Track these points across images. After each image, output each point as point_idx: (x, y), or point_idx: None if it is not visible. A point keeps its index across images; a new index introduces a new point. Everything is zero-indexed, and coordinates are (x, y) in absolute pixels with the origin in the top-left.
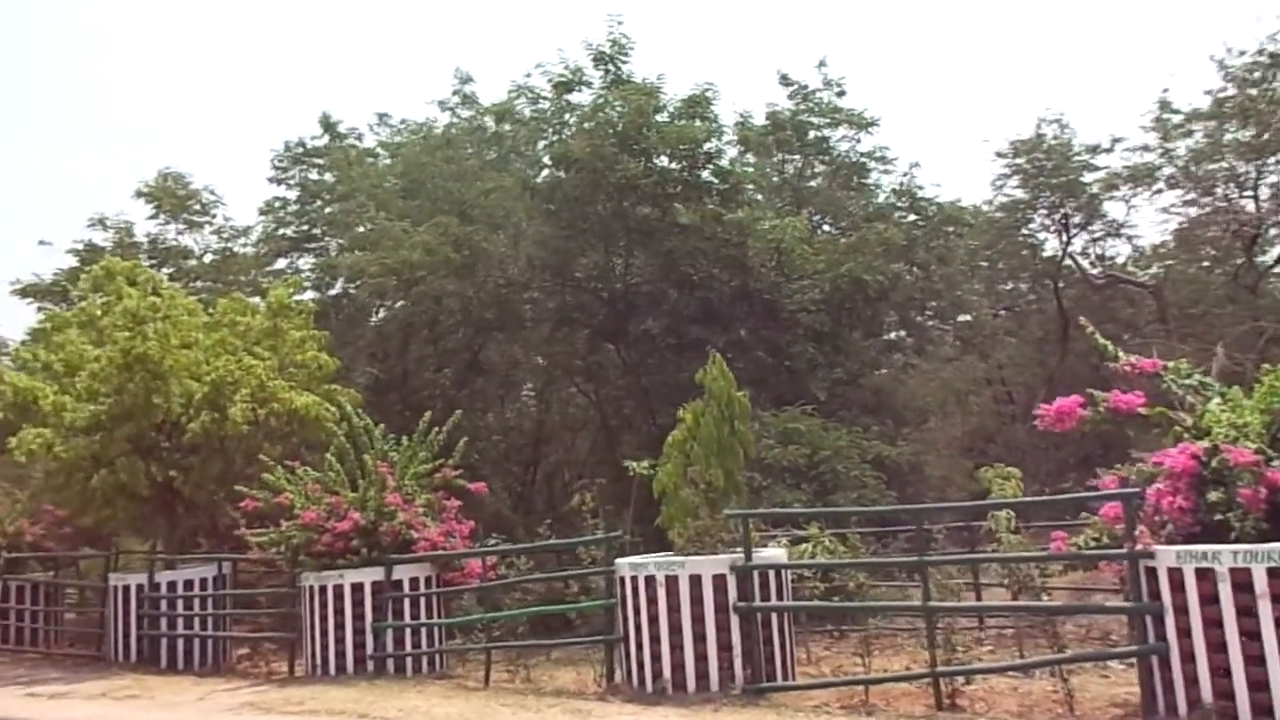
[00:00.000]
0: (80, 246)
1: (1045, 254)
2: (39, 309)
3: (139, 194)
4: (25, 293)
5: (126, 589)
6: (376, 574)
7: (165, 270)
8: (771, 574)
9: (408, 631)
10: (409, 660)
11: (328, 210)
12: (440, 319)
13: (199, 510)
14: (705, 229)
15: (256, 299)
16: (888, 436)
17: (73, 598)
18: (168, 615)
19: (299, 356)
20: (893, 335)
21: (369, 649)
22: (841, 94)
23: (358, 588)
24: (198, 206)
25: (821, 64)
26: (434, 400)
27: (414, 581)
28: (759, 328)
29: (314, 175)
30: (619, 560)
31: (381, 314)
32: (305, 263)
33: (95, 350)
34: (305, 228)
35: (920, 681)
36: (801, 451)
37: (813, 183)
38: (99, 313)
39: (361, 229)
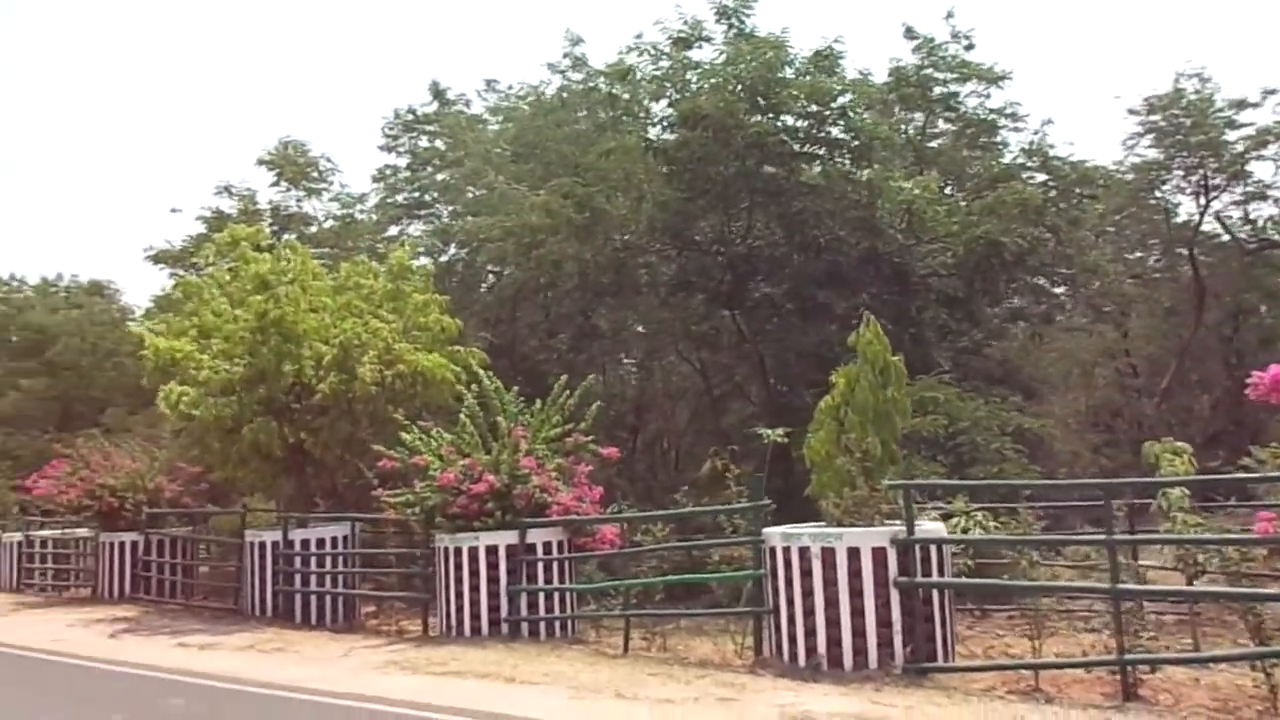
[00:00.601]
0: (208, 213)
1: (1179, 219)
2: (170, 274)
3: (260, 162)
4: (157, 259)
5: (261, 545)
6: (510, 537)
7: (287, 236)
8: (933, 548)
9: (541, 596)
10: (542, 624)
11: (439, 177)
12: (558, 283)
13: (324, 471)
14: (834, 188)
15: (376, 264)
16: (1016, 409)
17: (206, 553)
18: (301, 572)
19: (422, 319)
20: (1018, 302)
21: (503, 612)
22: (970, 47)
23: (492, 550)
24: (316, 174)
25: (949, 15)
26: (545, 366)
27: (547, 546)
28: (885, 293)
29: (424, 142)
30: (768, 530)
31: (492, 280)
32: (416, 229)
33: (231, 313)
34: (416, 194)
35: (1097, 669)
36: (939, 422)
37: (935, 142)
38: (227, 278)
39: (474, 194)
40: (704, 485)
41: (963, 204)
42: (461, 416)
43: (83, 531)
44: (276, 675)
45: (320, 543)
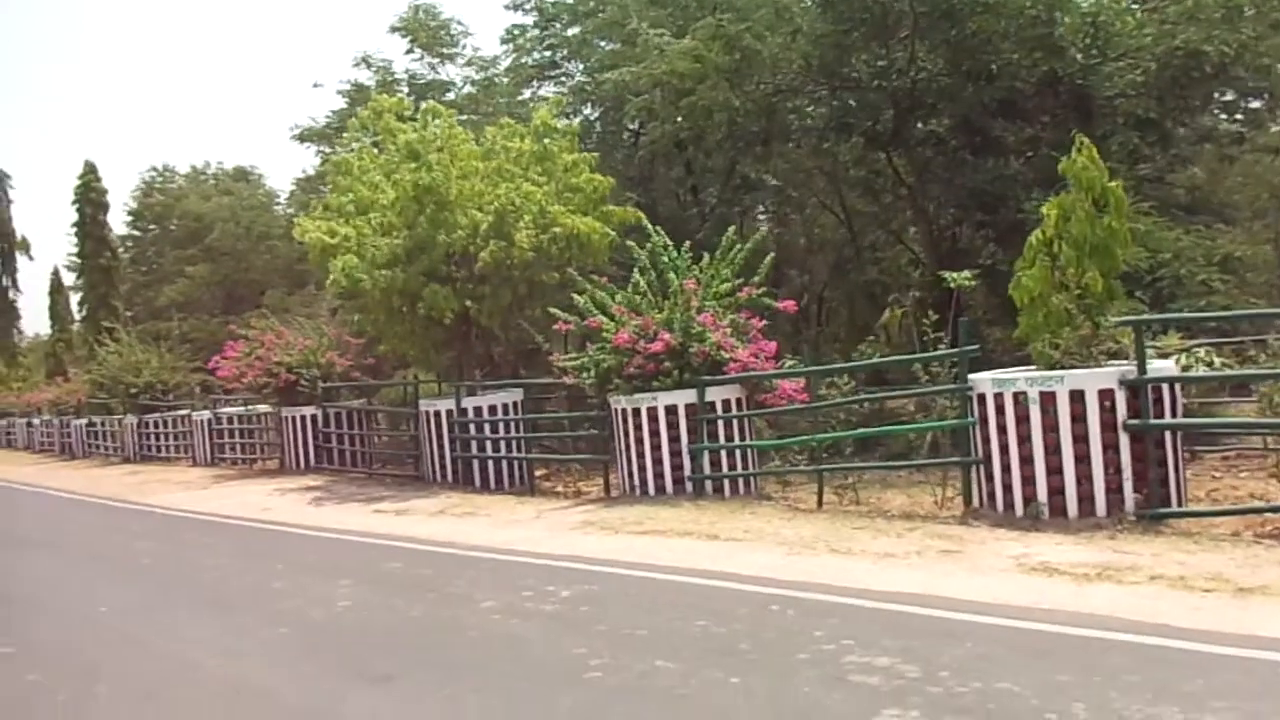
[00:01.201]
0: (348, 86)
1: None
2: (316, 152)
3: (393, 29)
4: (302, 137)
5: (436, 414)
6: (689, 396)
7: (425, 105)
8: (1165, 389)
9: (723, 453)
10: (725, 482)
11: (569, 33)
12: (705, 135)
13: (487, 339)
14: (1006, 6)
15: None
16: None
17: (379, 423)
18: (476, 438)
19: (572, 180)
20: (1209, 121)
21: (686, 471)
22: None
23: (671, 410)
24: (448, 37)
25: None
26: (690, 224)
27: (725, 403)
28: (1065, 120)
29: None
30: (975, 376)
31: (630, 139)
32: (547, 91)
33: (384, 186)
34: (547, 54)
35: None
36: (1139, 254)
37: None
38: (375, 150)
39: (609, 47)
40: (886, 335)
41: (1155, 13)
42: (634, 274)
43: (263, 407)
44: (481, 538)
45: (492, 409)
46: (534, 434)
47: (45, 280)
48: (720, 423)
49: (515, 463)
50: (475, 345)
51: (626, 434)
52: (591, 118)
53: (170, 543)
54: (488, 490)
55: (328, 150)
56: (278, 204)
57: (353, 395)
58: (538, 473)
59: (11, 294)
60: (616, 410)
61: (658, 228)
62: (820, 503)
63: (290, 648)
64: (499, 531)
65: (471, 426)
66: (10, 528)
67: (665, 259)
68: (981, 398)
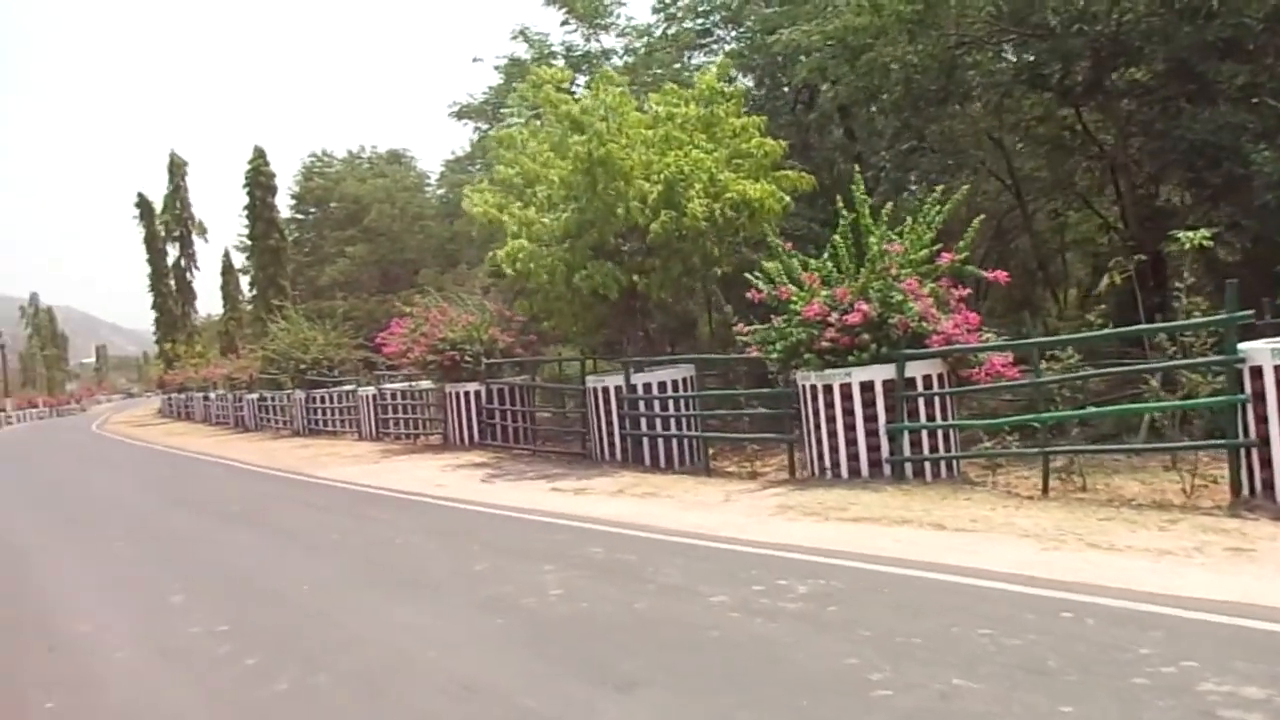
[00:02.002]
0: (504, 61)
1: None
2: (474, 129)
3: (548, 1)
4: (460, 114)
5: (605, 390)
6: (887, 371)
7: (582, 78)
8: None
9: (924, 434)
10: (927, 465)
11: None
12: (881, 94)
13: (654, 314)
14: None
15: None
16: None
17: (543, 400)
18: (646, 416)
19: (742, 145)
20: None
21: (884, 452)
22: None
23: (867, 386)
24: (602, 8)
25: None
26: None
27: (927, 379)
28: None
29: None
30: (1248, 346)
31: (783, 105)
32: (699, 60)
33: (553, 159)
34: (700, 22)
35: None
36: None
37: None
38: (538, 123)
39: (769, 10)
40: (1104, 302)
41: None
42: (834, 239)
43: (426, 384)
44: (672, 521)
45: (662, 386)
46: (705, 411)
47: (217, 262)
48: (920, 400)
49: (687, 441)
50: (639, 321)
51: (816, 412)
52: (749, 84)
53: (354, 518)
54: (658, 469)
55: (485, 127)
56: (428, 185)
57: (515, 371)
58: (711, 452)
59: (189, 275)
60: (804, 386)
61: (859, 178)
62: (1045, 488)
63: (512, 641)
64: (689, 514)
65: (641, 404)
66: (205, 499)
67: (866, 220)
68: (1257, 370)
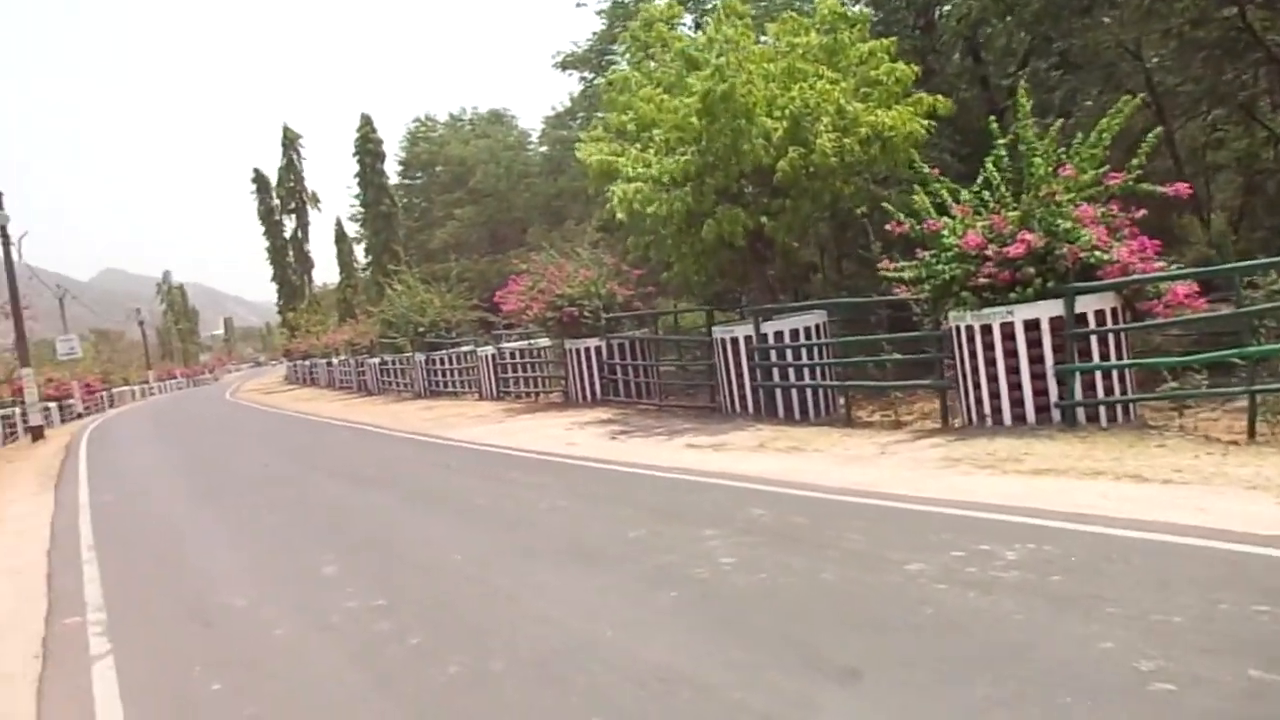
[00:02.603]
0: (609, 3)
1: None
2: (580, 79)
3: None
4: (564, 65)
5: (733, 341)
6: (1054, 308)
7: (689, 16)
8: None
9: (1098, 375)
10: (1102, 409)
11: None
12: (1015, 9)
13: (776, 258)
14: None
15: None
16: None
17: (664, 353)
18: (779, 366)
19: (870, 72)
20: None
21: (1052, 397)
22: None
23: (1031, 325)
24: None
25: None
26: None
27: (1099, 315)
28: None
29: None
30: None
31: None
32: None
33: (669, 101)
34: None
35: None
36: None
37: None
38: (651, 65)
39: None
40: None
41: None
42: (986, 165)
43: (543, 341)
44: (829, 477)
45: (794, 334)
46: (846, 359)
47: (329, 231)
48: (1093, 339)
49: (822, 391)
50: (766, 267)
51: (972, 355)
52: (865, 8)
53: (493, 480)
54: (793, 421)
55: (590, 76)
56: (530, 144)
57: (634, 325)
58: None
59: (306, 246)
60: (957, 328)
61: (1024, 94)
62: (1252, 431)
63: (696, 619)
64: (846, 470)
65: (772, 353)
66: (342, 464)
67: (1029, 139)
68: None
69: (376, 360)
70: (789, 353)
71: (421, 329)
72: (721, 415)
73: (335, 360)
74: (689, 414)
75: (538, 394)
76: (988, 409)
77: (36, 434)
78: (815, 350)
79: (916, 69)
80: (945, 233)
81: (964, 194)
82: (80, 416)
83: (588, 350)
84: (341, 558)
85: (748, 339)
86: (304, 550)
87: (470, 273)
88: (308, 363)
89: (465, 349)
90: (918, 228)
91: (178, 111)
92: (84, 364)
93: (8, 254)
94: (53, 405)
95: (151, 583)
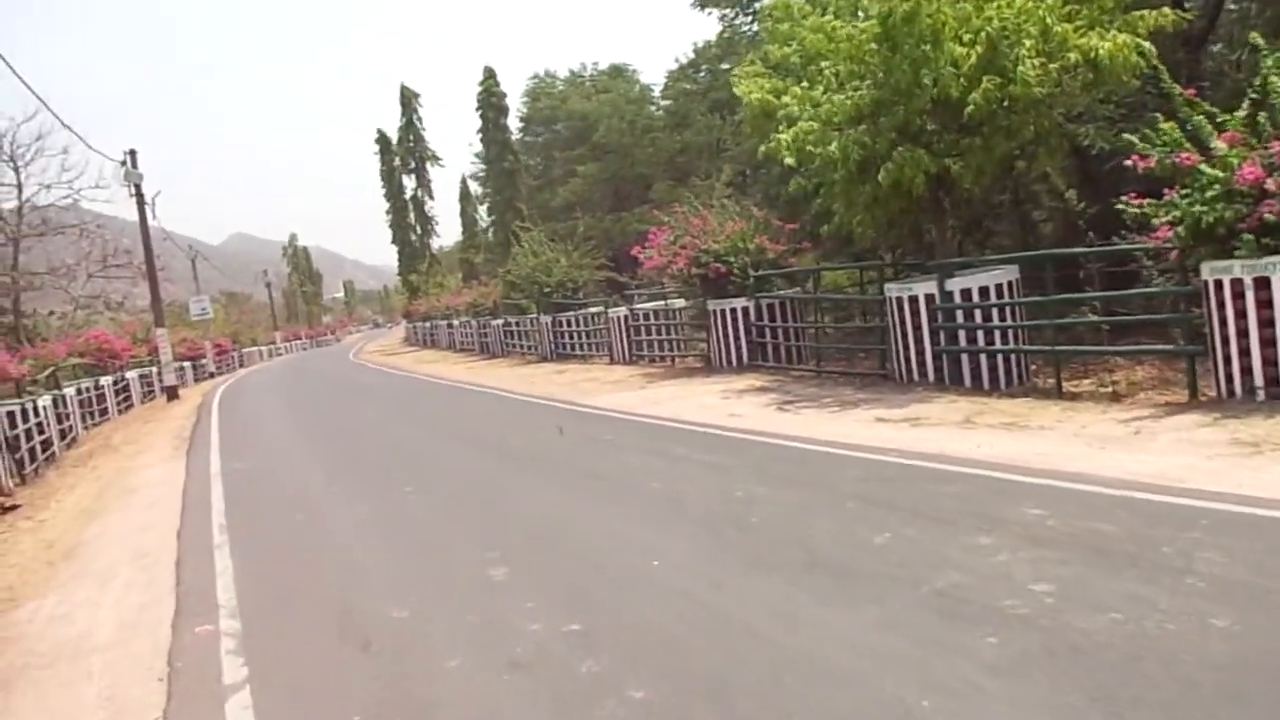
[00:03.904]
0: None
1: None
2: (720, 18)
3: None
4: (704, 3)
5: (912, 300)
6: None
7: None
8: None
9: None
10: None
11: None
12: None
13: (964, 206)
14: None
15: None
16: None
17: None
18: (966, 328)
19: None
20: None
21: None
22: None
23: None
24: None
25: None
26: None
27: None
28: None
29: None
30: None
31: None
32: None
33: (845, 28)
34: None
35: None
36: None
37: None
38: None
39: None
40: None
41: None
42: (1266, 77)
43: (679, 302)
44: (1088, 464)
45: (985, 292)
46: (1058, 320)
47: (451, 189)
48: None
49: (1015, 358)
50: (946, 217)
51: (1240, 314)
52: None
53: (659, 457)
54: (983, 391)
55: (730, 14)
56: (653, 99)
57: (785, 285)
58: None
59: (428, 206)
60: (1218, 282)
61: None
62: None
63: (1057, 689)
64: (1107, 455)
65: (959, 314)
66: (483, 434)
67: None
68: None
69: (500, 322)
70: (978, 313)
71: (547, 289)
72: (896, 383)
73: (456, 322)
74: (855, 382)
75: (674, 358)
76: (1260, 379)
77: (171, 394)
78: (1009, 310)
79: None
80: (1204, 167)
81: (1230, 120)
82: (212, 376)
83: (734, 311)
84: (509, 557)
85: (929, 298)
86: (461, 544)
87: (594, 231)
88: (428, 324)
89: (594, 310)
90: (1166, 160)
91: (302, 78)
92: (215, 325)
93: (142, 212)
94: (186, 365)
95: (290, 578)
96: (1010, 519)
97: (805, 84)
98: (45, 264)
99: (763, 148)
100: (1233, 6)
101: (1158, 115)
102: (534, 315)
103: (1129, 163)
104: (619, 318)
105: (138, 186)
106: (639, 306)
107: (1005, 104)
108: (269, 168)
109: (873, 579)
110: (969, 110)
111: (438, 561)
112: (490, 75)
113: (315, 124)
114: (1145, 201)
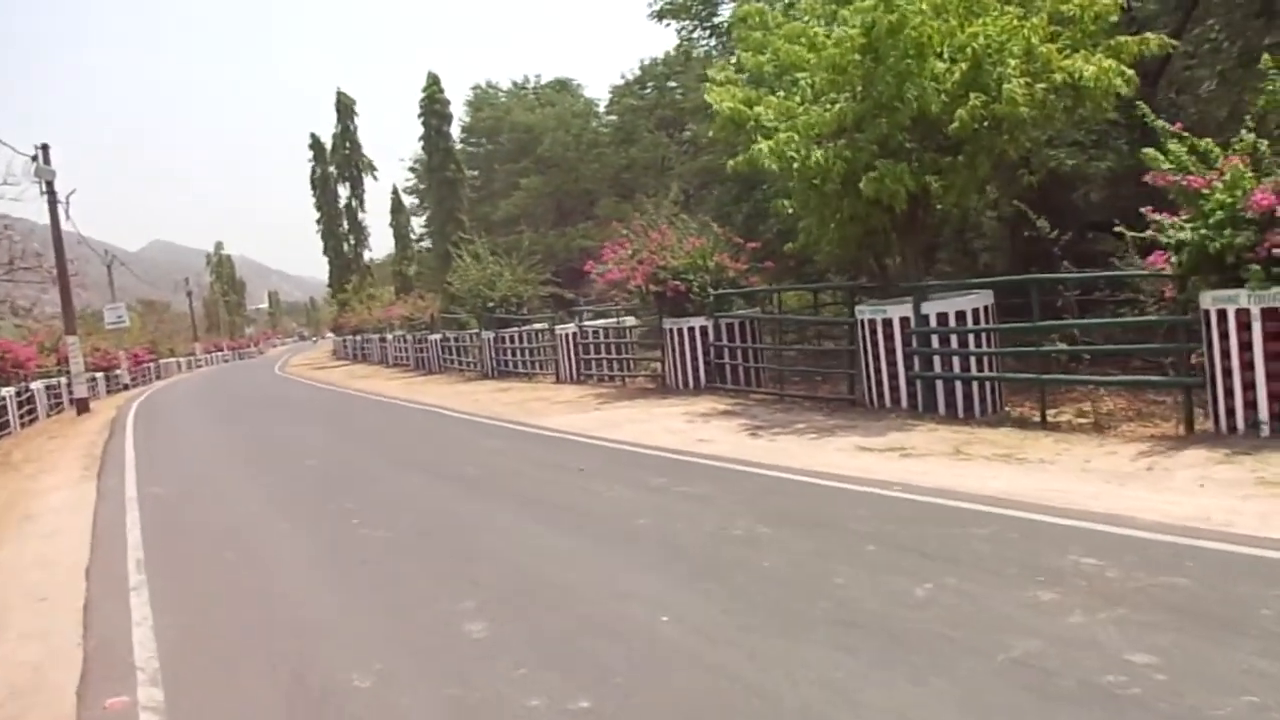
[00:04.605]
0: None
1: None
2: (678, 30)
3: None
4: (661, 14)
5: (885, 323)
6: None
7: None
8: None
9: None
10: None
11: None
12: None
13: (935, 226)
14: None
15: None
16: None
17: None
18: (942, 354)
19: (1059, 7)
20: None
21: None
22: None
23: None
24: None
25: None
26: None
27: None
28: None
29: None
30: None
31: None
32: None
33: (823, 37)
34: None
35: None
36: None
37: None
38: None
39: None
40: None
41: None
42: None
43: (630, 320)
44: (1111, 503)
45: (961, 317)
46: (1043, 349)
47: (381, 202)
48: None
49: (989, 385)
50: (920, 237)
51: (1244, 346)
52: None
53: (636, 488)
54: (957, 419)
55: (688, 26)
56: (597, 114)
57: (745, 304)
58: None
59: (360, 216)
60: (1219, 312)
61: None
62: None
63: None
64: (1125, 491)
65: (934, 339)
66: (432, 458)
67: None
68: None
69: (438, 336)
70: (953, 339)
71: (490, 304)
72: (866, 409)
73: (390, 336)
74: (823, 407)
75: (624, 378)
76: (1266, 414)
77: (82, 406)
78: (984, 336)
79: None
80: (1207, 192)
81: (1236, 143)
82: (127, 388)
83: (691, 330)
84: (486, 608)
85: (904, 321)
86: (427, 590)
87: (538, 246)
88: (359, 338)
89: (539, 326)
90: (1179, 182)
91: (227, 84)
92: (131, 334)
93: (54, 211)
94: (99, 376)
95: (225, 631)
96: (1064, 569)
97: (781, 93)
98: None
99: (733, 160)
100: (1182, 45)
101: (1124, 144)
102: (475, 330)
103: (1147, 179)
104: (567, 335)
105: (50, 184)
106: (590, 324)
107: (988, 123)
108: (192, 175)
109: (929, 643)
110: (953, 127)
111: (402, 612)
112: (434, 81)
113: (242, 134)
114: (1154, 219)
